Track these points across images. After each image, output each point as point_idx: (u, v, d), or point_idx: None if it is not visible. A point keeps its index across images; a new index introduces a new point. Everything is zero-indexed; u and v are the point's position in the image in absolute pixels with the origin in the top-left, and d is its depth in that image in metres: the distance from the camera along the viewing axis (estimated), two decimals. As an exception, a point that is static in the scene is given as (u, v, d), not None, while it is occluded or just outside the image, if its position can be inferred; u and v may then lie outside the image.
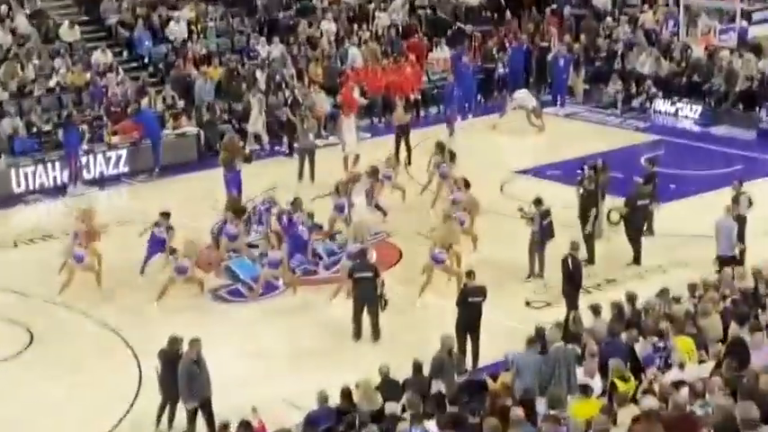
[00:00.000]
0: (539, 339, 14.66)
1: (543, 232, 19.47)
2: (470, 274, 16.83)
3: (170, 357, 14.91)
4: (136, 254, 20.08)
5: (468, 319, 16.48)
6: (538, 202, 19.66)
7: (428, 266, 18.83)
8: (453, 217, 19.94)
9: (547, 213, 19.58)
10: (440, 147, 23.61)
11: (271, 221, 21.01)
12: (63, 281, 19.19)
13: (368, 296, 17.56)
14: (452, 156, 23.09)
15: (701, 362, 14.15)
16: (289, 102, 28.14)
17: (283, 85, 29.15)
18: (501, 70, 31.98)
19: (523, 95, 29.18)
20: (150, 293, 19.06)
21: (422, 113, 30.21)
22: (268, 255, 19.09)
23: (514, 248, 20.26)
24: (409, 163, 25.45)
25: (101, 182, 25.63)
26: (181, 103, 28.16)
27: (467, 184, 21.13)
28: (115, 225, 21.61)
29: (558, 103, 31.07)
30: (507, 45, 32.50)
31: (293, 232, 20.06)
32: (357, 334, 17.61)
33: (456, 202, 20.81)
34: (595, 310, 15.74)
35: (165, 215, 19.89)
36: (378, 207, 22.24)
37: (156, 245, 19.79)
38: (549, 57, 31.55)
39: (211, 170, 24.83)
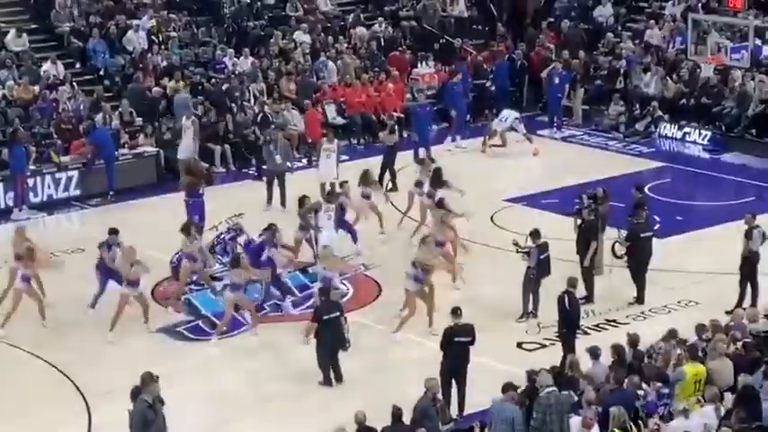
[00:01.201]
0: (530, 385, 14.67)
1: (540, 268, 19.50)
2: (456, 311, 16.80)
3: None
4: (86, 285, 19.99)
5: (454, 361, 16.44)
6: (535, 234, 19.69)
7: (409, 295, 18.81)
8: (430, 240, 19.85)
9: (544, 247, 19.62)
10: (421, 162, 23.91)
11: (236, 251, 20.86)
12: (6, 310, 19.09)
13: (336, 338, 17.50)
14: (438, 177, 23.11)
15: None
16: (258, 120, 28.15)
17: (252, 102, 29.22)
18: (492, 88, 32.17)
19: (502, 116, 29.29)
20: (101, 330, 18.97)
21: (404, 134, 30.24)
22: (231, 280, 19.05)
23: (505, 284, 20.28)
24: (394, 188, 25.57)
25: (49, 206, 25.54)
26: (139, 120, 28.15)
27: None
28: (64, 254, 21.55)
29: (555, 125, 31.15)
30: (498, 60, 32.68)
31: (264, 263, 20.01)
32: (329, 380, 17.50)
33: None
34: (594, 353, 15.75)
35: (115, 232, 19.81)
36: (349, 230, 22.23)
37: (105, 274, 19.65)
38: (544, 74, 31.73)
39: (172, 194, 24.81)
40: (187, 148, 26.59)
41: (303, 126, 28.80)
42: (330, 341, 17.45)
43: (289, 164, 25.37)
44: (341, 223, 22.00)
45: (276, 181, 25.01)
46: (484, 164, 28.43)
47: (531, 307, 19.56)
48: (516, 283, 19.74)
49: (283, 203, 24.73)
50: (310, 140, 28.02)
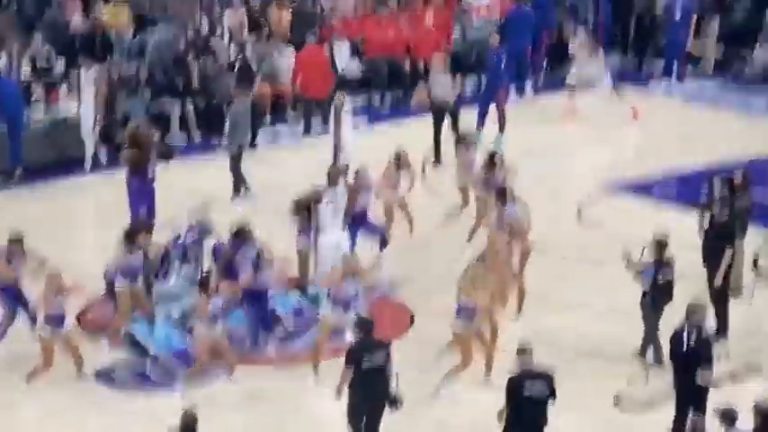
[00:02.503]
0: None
1: (656, 293, 19.47)
2: (524, 351, 16.77)
3: None
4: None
5: (523, 424, 16.44)
6: (660, 245, 19.55)
7: (455, 338, 18.89)
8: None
9: (667, 264, 19.53)
10: (462, 139, 24.51)
11: (202, 260, 21.09)
12: None
13: (378, 393, 17.20)
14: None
15: None
16: (236, 68, 28.18)
17: (227, 41, 29.33)
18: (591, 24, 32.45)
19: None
20: (8, 376, 19.12)
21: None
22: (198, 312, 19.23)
23: (596, 312, 20.58)
24: (438, 160, 25.94)
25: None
26: (60, 66, 28.27)
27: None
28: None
29: (674, 76, 31.34)
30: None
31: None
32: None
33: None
34: (729, 416, 15.69)
35: (18, 242, 19.86)
36: (376, 233, 22.43)
37: (12, 297, 19.76)
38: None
39: (108, 174, 24.94)
40: (88, 113, 26.85)
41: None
42: (370, 397, 17.25)
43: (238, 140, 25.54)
44: (365, 225, 22.34)
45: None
46: (567, 135, 28.61)
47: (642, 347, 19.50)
48: (612, 310, 20.00)
49: (236, 189, 25.02)
50: (306, 97, 28.36)
